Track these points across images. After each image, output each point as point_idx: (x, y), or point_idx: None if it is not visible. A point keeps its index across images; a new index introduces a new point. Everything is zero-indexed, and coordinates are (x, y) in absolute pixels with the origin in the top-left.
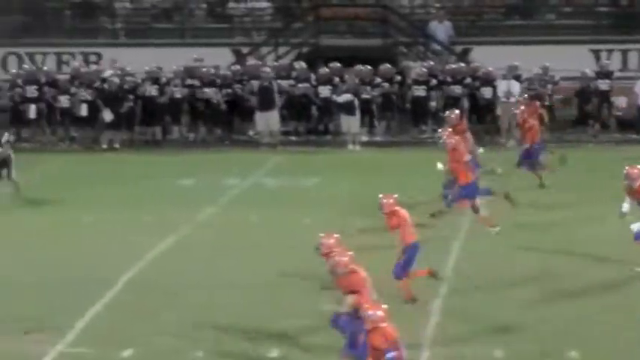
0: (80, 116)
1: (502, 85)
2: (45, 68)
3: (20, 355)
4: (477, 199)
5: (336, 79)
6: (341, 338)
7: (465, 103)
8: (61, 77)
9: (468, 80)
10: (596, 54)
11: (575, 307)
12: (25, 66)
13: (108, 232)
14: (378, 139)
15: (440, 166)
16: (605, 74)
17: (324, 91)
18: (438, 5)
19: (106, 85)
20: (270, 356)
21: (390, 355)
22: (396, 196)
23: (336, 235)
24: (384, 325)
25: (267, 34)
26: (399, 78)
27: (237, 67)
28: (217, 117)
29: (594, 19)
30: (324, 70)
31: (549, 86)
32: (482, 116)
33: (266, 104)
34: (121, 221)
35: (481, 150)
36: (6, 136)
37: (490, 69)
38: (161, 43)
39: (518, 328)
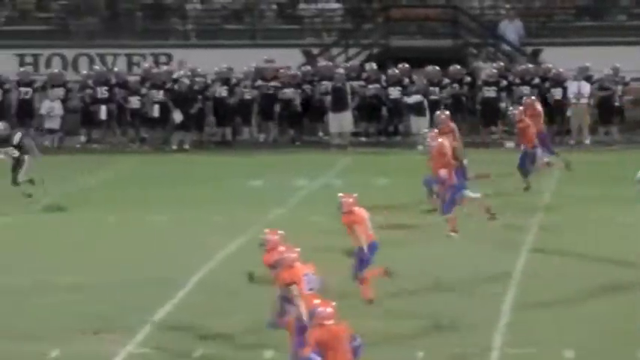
0: (151, 117)
1: (572, 87)
2: (116, 69)
3: (91, 355)
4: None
5: (406, 80)
6: None
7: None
8: (132, 78)
9: (537, 81)
10: None
11: None
12: (96, 67)
13: (178, 232)
14: None
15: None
16: None
17: (394, 92)
18: (508, 6)
19: (176, 86)
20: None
21: (356, 342)
22: (355, 195)
23: (280, 232)
24: (329, 322)
25: (337, 35)
26: (469, 79)
27: (308, 67)
28: (292, 118)
29: None
30: (393, 71)
31: (619, 87)
32: (553, 117)
33: (339, 105)
34: (191, 222)
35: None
36: (18, 137)
37: (560, 70)
38: (231, 44)
39: (588, 328)
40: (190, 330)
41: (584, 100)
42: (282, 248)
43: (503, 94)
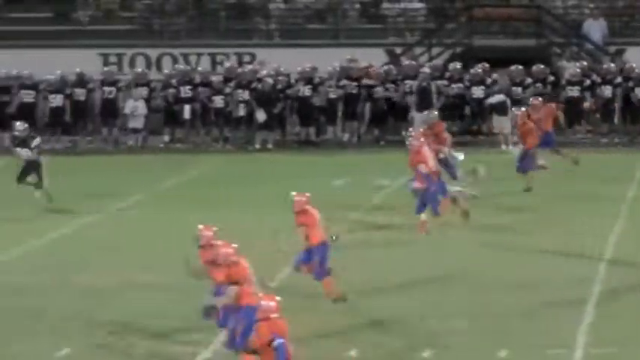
0: (235, 117)
1: None
2: (199, 69)
3: (174, 355)
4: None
5: (489, 80)
6: None
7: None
8: (215, 78)
9: (620, 80)
10: None
11: None
12: (180, 66)
13: (261, 231)
14: None
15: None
16: None
17: (477, 91)
18: (591, 6)
19: (259, 86)
20: (423, 355)
21: (278, 341)
22: (308, 194)
23: (215, 228)
24: (275, 316)
25: (420, 34)
26: (552, 78)
27: (391, 67)
28: (378, 117)
29: None
30: (476, 71)
31: None
32: (636, 117)
33: (424, 105)
34: (275, 221)
35: (461, 156)
36: (37, 141)
37: None
38: (314, 43)
39: None
40: None
41: None
42: (216, 243)
43: (587, 94)
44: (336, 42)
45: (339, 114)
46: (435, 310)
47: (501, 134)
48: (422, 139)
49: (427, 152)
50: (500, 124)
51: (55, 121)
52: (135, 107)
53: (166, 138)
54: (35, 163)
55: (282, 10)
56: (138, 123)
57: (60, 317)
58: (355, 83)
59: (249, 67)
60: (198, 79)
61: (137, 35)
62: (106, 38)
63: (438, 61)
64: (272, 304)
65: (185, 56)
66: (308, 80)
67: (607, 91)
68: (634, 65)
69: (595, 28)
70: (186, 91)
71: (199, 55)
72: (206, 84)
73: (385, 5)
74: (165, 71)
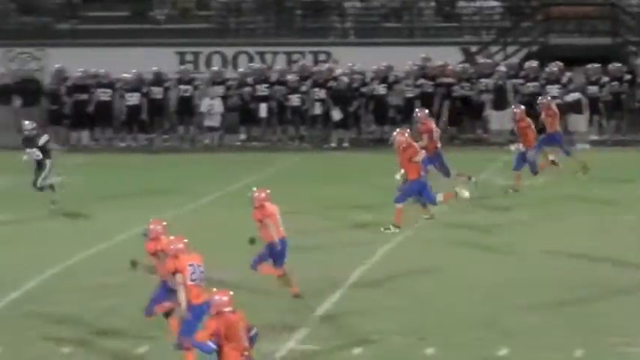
0: (311, 115)
1: None
2: (278, 67)
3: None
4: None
5: (564, 79)
6: None
7: None
8: (291, 76)
9: None
10: None
11: None
12: (256, 65)
13: (337, 230)
14: (606, 138)
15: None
16: None
17: (552, 90)
18: None
19: (335, 84)
20: (499, 354)
21: (210, 344)
22: (268, 191)
23: (164, 223)
24: (227, 309)
25: (496, 33)
26: (629, 77)
27: (467, 65)
28: (453, 115)
29: None
30: (551, 69)
31: None
32: None
33: (500, 103)
34: (346, 220)
35: None
36: (44, 138)
37: None
38: (390, 42)
39: None
40: (350, 327)
41: None
42: (164, 238)
43: None
44: (411, 40)
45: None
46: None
47: (577, 132)
48: (407, 135)
49: (416, 146)
50: (576, 122)
51: (131, 120)
52: (211, 106)
53: (242, 136)
54: (43, 162)
55: (357, 9)
56: (214, 121)
57: (137, 316)
58: (431, 82)
59: (326, 65)
60: (274, 77)
61: (213, 34)
62: (183, 37)
63: (514, 60)
64: (225, 298)
65: (261, 55)
66: (383, 79)
67: None
68: None
69: None
70: (262, 90)
71: (275, 53)
72: (282, 82)
73: (461, 4)
74: (241, 70)
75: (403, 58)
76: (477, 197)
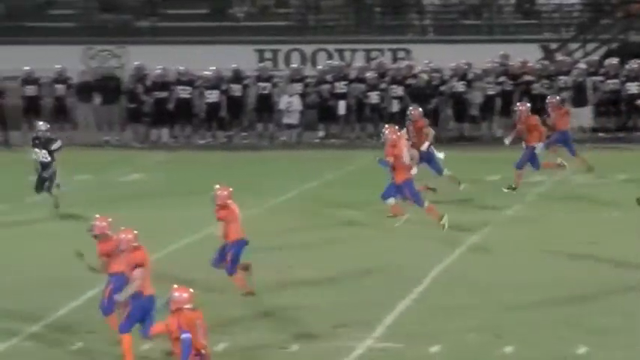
0: (390, 112)
1: None
2: (358, 64)
3: (330, 350)
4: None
5: None
6: None
7: None
8: (370, 74)
9: None
10: None
11: None
12: (334, 62)
13: (418, 227)
14: None
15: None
16: None
17: (632, 87)
18: None
19: (414, 82)
20: (578, 353)
21: (184, 335)
22: (231, 189)
23: (109, 219)
24: (187, 306)
25: (575, 30)
26: None
27: (546, 63)
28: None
29: None
30: (631, 67)
31: None
32: None
33: (579, 100)
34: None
35: (441, 155)
36: (57, 144)
37: None
38: (469, 39)
39: None
40: (428, 325)
41: None
42: (109, 233)
43: None
44: (491, 38)
45: (495, 110)
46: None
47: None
48: (398, 133)
49: (403, 146)
50: None
51: (211, 117)
52: (290, 103)
53: (321, 134)
54: (48, 165)
55: (436, 6)
56: (293, 119)
57: (218, 313)
58: (511, 80)
59: (405, 63)
60: (352, 74)
61: (292, 31)
62: (262, 34)
63: (594, 57)
64: (185, 295)
65: (340, 52)
66: (462, 76)
67: None
68: None
69: None
70: (341, 87)
71: (354, 51)
72: (361, 80)
73: (540, 1)
74: (320, 67)
75: (482, 56)
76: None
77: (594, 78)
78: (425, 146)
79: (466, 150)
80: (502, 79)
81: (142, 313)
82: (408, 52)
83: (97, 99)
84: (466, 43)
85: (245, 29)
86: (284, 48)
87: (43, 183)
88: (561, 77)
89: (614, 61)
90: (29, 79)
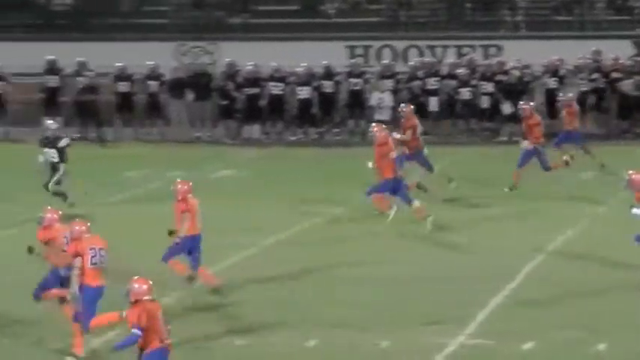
0: (481, 109)
1: None
2: (449, 61)
3: (422, 346)
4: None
5: None
6: None
7: None
8: (461, 70)
9: None
10: None
11: None
12: (426, 58)
13: (508, 224)
14: None
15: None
16: None
17: None
18: None
19: (505, 78)
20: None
21: (134, 330)
22: (191, 183)
23: (59, 212)
24: (146, 297)
25: None
26: None
27: (638, 59)
28: (625, 110)
29: None
30: None
31: None
32: None
33: None
34: (526, 214)
35: (424, 151)
36: (65, 141)
37: None
38: (560, 35)
39: None
40: (521, 322)
41: None
42: (58, 226)
43: None
44: (582, 34)
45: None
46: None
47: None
48: (387, 131)
49: (391, 145)
50: None
51: (303, 113)
52: (381, 99)
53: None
54: (57, 165)
55: (528, 2)
56: (384, 115)
57: (308, 309)
58: (605, 78)
59: (496, 59)
60: (444, 71)
61: (384, 27)
62: (353, 30)
63: None
64: (144, 286)
65: (431, 48)
66: (554, 72)
67: None
68: None
69: None
70: (432, 83)
71: (445, 47)
72: (452, 76)
73: None
74: (412, 63)
75: (573, 52)
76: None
77: None
78: (407, 137)
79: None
80: (595, 75)
81: (93, 301)
82: (499, 48)
83: (190, 95)
84: (558, 39)
85: (336, 25)
86: (375, 44)
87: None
88: None
89: None
90: (122, 76)
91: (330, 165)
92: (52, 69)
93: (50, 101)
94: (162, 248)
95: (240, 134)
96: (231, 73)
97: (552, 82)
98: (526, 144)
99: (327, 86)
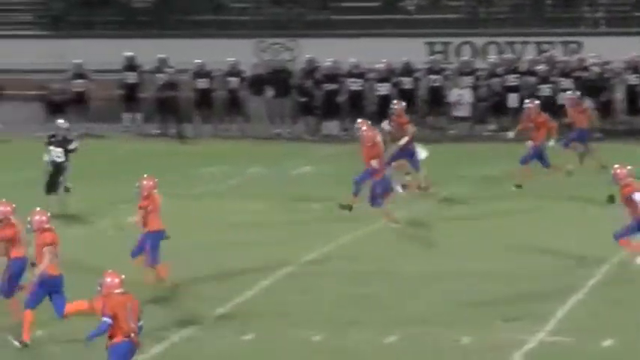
0: (559, 105)
1: None
2: (529, 57)
3: (503, 342)
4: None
5: None
6: None
7: None
8: (541, 66)
9: None
10: None
11: None
12: (506, 55)
13: (583, 222)
14: None
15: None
16: None
17: None
18: None
19: (586, 74)
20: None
21: (105, 319)
22: (156, 180)
23: (13, 205)
24: (117, 291)
25: None
26: None
27: None
28: None
29: None
30: None
31: None
32: None
33: None
34: (595, 212)
35: (424, 154)
36: (75, 144)
37: None
38: None
39: None
40: (601, 319)
41: None
42: (12, 219)
43: None
44: None
45: None
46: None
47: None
48: (375, 130)
49: (380, 145)
50: None
51: (382, 110)
52: (460, 96)
53: (492, 127)
54: (62, 165)
55: None
56: (463, 111)
57: (389, 305)
58: None
59: (576, 56)
60: (523, 67)
61: (463, 24)
62: (433, 27)
63: None
64: (116, 280)
65: (511, 45)
66: (634, 69)
67: None
68: None
69: None
70: (512, 80)
71: (525, 43)
72: (532, 73)
73: None
74: (491, 60)
75: None
76: None
77: None
78: (403, 141)
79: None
80: None
81: (46, 291)
82: (579, 44)
83: (269, 92)
84: (638, 35)
85: (416, 22)
86: (455, 41)
87: (55, 184)
88: None
89: None
90: (201, 72)
91: None
92: (131, 65)
93: (129, 98)
94: (240, 245)
95: (319, 130)
96: (311, 70)
97: (633, 79)
98: (530, 143)
99: (407, 83)
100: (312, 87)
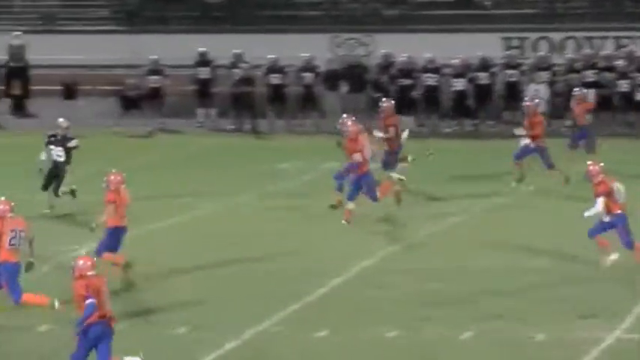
0: (637, 101)
1: None
2: (606, 52)
3: (577, 340)
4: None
5: None
6: None
7: None
8: (619, 62)
9: None
10: None
11: None
12: (584, 50)
13: None
14: None
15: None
16: None
17: None
18: None
19: None
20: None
21: (89, 300)
22: (124, 174)
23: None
24: (90, 273)
25: None
26: None
27: None
28: None
29: None
30: None
31: None
32: None
33: None
34: None
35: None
36: (74, 142)
37: None
38: None
39: None
40: None
41: None
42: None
43: None
44: None
45: None
46: None
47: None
48: (358, 126)
49: (364, 140)
50: None
51: (457, 105)
52: (537, 91)
53: (569, 122)
54: (62, 165)
55: None
56: (540, 107)
57: (461, 301)
58: None
59: None
60: (602, 63)
61: (540, 19)
62: (509, 22)
63: None
64: (88, 263)
65: (589, 40)
66: None
67: None
68: None
69: None
70: (590, 75)
71: (603, 38)
72: (610, 68)
73: None
74: (569, 55)
75: None
76: None
77: None
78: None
79: None
80: None
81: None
82: None
83: (344, 87)
84: None
85: (492, 17)
86: (532, 36)
87: (52, 181)
88: None
89: None
90: (274, 68)
91: (486, 157)
92: (203, 61)
93: (202, 93)
94: (324, 238)
95: None
96: (386, 65)
97: None
98: (527, 141)
99: (483, 78)
100: (387, 82)
